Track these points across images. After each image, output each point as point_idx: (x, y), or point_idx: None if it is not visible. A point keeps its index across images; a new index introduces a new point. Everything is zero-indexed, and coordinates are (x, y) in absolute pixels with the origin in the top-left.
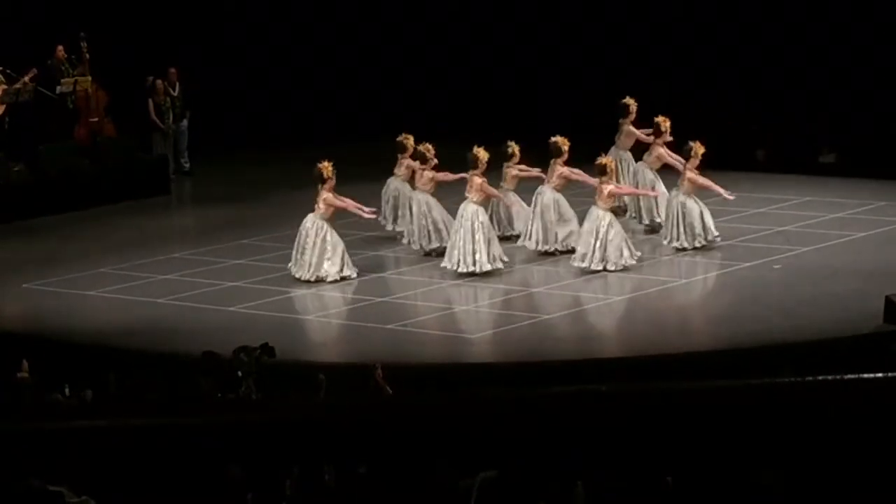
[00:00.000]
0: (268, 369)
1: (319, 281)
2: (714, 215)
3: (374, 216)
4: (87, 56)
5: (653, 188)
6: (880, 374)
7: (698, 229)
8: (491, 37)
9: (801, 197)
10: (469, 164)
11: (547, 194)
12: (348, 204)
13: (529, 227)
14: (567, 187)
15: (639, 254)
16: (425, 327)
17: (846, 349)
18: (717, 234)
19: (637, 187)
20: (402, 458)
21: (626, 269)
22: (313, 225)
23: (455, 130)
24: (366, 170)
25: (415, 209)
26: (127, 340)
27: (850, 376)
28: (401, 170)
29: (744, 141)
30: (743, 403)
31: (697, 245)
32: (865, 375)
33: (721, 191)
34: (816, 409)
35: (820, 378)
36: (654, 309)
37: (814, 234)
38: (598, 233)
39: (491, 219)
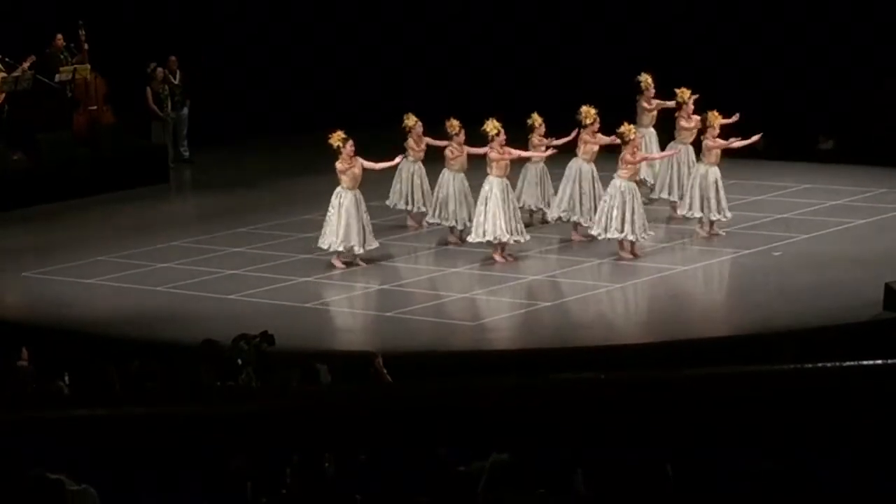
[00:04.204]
0: (268, 357)
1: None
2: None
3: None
4: (86, 44)
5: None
6: (880, 361)
7: (713, 201)
8: (491, 37)
9: (800, 184)
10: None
11: (584, 166)
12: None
13: (561, 194)
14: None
15: (648, 234)
16: (426, 315)
17: (846, 336)
18: (727, 215)
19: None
20: (400, 446)
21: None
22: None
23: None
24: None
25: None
26: (126, 329)
27: (849, 363)
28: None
29: (742, 128)
30: (742, 390)
31: (712, 217)
32: (865, 362)
33: (745, 142)
34: (816, 396)
35: (819, 365)
36: (653, 297)
37: (813, 222)
38: (611, 201)
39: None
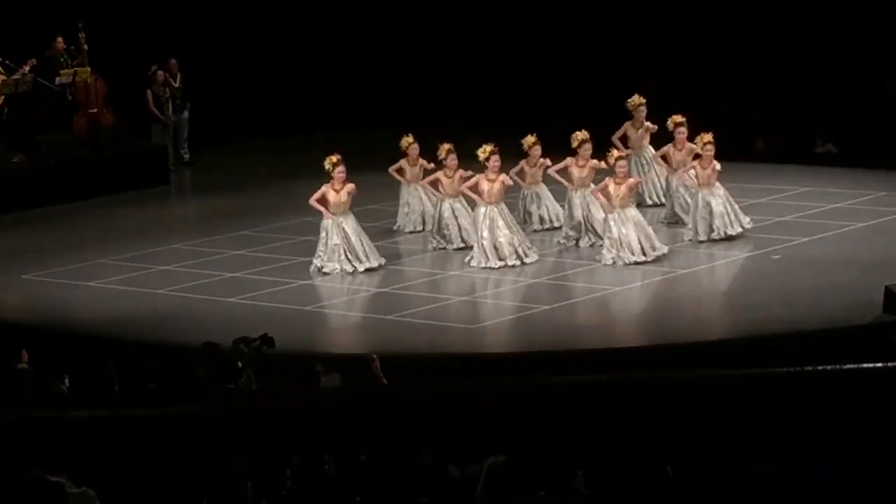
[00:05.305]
0: (268, 360)
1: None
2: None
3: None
4: (86, 47)
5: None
6: (880, 364)
7: (724, 220)
8: (491, 37)
9: (800, 187)
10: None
11: (574, 198)
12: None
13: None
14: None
15: (658, 248)
16: (425, 318)
17: (846, 339)
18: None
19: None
20: (399, 447)
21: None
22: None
23: (455, 130)
24: (364, 162)
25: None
26: (126, 331)
27: (849, 366)
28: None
29: (742, 131)
30: (742, 393)
31: (727, 234)
32: (865, 365)
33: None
34: (816, 399)
35: (819, 368)
36: (653, 299)
37: (813, 225)
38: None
39: (523, 215)
